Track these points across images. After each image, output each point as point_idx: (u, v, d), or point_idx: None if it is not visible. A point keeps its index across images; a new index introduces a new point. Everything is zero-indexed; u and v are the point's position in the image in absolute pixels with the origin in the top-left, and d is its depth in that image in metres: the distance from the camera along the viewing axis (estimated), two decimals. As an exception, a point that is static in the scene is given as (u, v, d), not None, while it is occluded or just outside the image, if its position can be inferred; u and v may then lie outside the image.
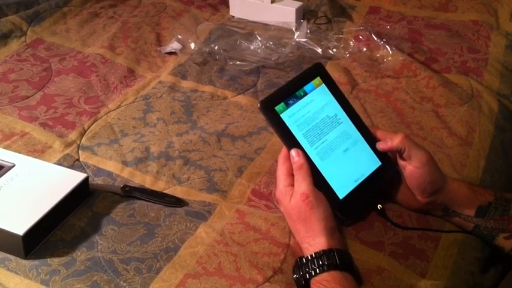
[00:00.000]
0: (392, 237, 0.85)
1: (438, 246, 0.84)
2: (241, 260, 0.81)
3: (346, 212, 0.85)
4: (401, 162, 0.85)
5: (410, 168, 0.83)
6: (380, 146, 0.86)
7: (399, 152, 0.84)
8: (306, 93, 0.85)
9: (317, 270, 0.74)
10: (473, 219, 0.85)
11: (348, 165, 0.85)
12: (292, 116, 0.83)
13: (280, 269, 0.80)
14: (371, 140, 0.87)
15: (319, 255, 0.75)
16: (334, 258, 0.74)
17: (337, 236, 0.79)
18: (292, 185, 0.81)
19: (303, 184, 0.79)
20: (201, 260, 0.81)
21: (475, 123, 1.11)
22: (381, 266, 0.80)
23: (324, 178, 0.83)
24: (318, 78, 0.87)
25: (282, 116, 0.82)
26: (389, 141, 0.85)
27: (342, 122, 0.86)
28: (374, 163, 0.87)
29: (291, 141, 0.82)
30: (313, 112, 0.85)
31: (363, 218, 0.87)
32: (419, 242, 0.85)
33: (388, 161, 0.88)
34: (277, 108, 0.82)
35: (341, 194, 0.83)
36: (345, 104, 0.88)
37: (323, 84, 0.87)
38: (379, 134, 0.88)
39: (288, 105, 0.83)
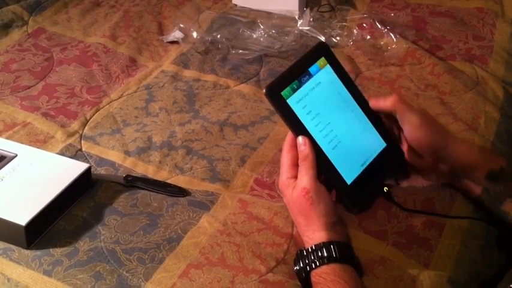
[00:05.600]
0: (396, 225, 0.85)
1: (442, 235, 0.84)
2: (244, 250, 0.80)
3: (355, 198, 0.84)
4: (400, 124, 0.84)
5: (405, 132, 0.83)
6: (372, 103, 0.85)
7: (394, 115, 0.83)
8: (311, 76, 0.82)
9: (317, 262, 0.73)
10: (482, 181, 0.84)
11: (355, 149, 0.84)
12: (298, 101, 0.80)
13: (283, 259, 0.80)
14: (376, 121, 0.86)
15: (318, 247, 0.74)
16: (334, 251, 0.73)
17: (339, 229, 0.78)
18: (295, 176, 0.79)
19: (305, 178, 0.78)
20: (204, 250, 0.81)
21: (481, 110, 1.10)
22: (383, 256, 0.80)
23: (332, 164, 0.81)
24: (323, 58, 0.84)
25: (289, 101, 0.79)
26: (382, 102, 0.84)
27: (348, 104, 0.85)
28: (379, 145, 0.86)
29: (298, 127, 0.80)
30: (319, 96, 0.82)
31: (370, 205, 0.86)
32: (423, 230, 0.84)
33: (393, 141, 0.87)
34: (283, 93, 0.79)
35: (349, 179, 0.82)
36: (349, 84, 0.86)
37: (328, 64, 0.84)
38: (371, 100, 0.86)
39: (293, 90, 0.80)
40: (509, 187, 0.83)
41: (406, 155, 0.86)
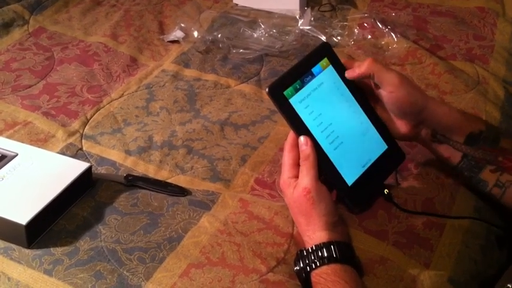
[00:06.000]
0: (396, 225, 0.84)
1: (443, 235, 0.84)
2: (244, 250, 0.80)
3: (355, 199, 0.84)
4: (377, 91, 0.84)
5: (385, 94, 0.82)
6: (348, 74, 0.84)
7: (371, 79, 0.82)
8: (314, 76, 0.82)
9: (317, 263, 0.73)
10: (462, 146, 0.84)
11: (356, 151, 0.84)
12: (301, 101, 0.80)
13: (283, 259, 0.80)
14: (377, 122, 0.86)
15: (319, 247, 0.74)
16: (334, 251, 0.73)
17: (340, 229, 0.79)
18: (296, 176, 0.79)
19: (306, 178, 0.78)
20: (205, 250, 0.81)
21: (481, 110, 1.10)
22: (384, 255, 0.80)
23: (333, 165, 0.81)
24: (326, 59, 0.84)
25: (291, 101, 0.80)
26: (357, 69, 0.83)
27: (350, 106, 0.85)
28: (381, 147, 0.86)
29: (300, 127, 0.80)
30: (322, 96, 0.82)
31: (371, 204, 0.87)
32: (423, 230, 0.84)
33: (394, 143, 0.87)
34: (286, 93, 0.79)
35: (350, 180, 0.82)
36: (351, 85, 0.86)
37: (330, 65, 0.84)
38: (345, 61, 0.86)
39: (296, 90, 0.80)
40: (488, 153, 0.83)
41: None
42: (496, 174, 0.83)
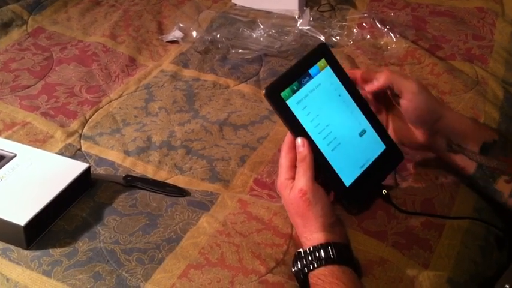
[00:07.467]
0: (395, 226, 0.84)
1: (442, 235, 0.84)
2: (243, 251, 0.80)
3: (353, 200, 0.84)
4: (395, 100, 0.84)
5: (405, 102, 0.82)
6: (367, 88, 0.84)
7: (389, 89, 0.83)
8: (311, 77, 0.82)
9: (315, 264, 0.73)
10: (477, 156, 0.84)
11: (354, 151, 0.84)
12: (298, 102, 0.80)
13: (282, 260, 0.79)
14: (376, 123, 0.86)
15: (316, 249, 0.74)
16: (332, 252, 0.73)
17: (337, 230, 0.78)
18: (293, 178, 0.79)
19: (302, 179, 0.77)
20: (204, 251, 0.80)
21: (480, 110, 1.10)
22: (383, 256, 0.80)
23: (331, 166, 0.81)
24: (323, 60, 0.84)
25: (288, 102, 0.79)
26: (376, 81, 0.83)
27: (348, 106, 0.85)
28: (379, 147, 0.86)
29: (297, 129, 0.80)
30: (319, 97, 0.82)
31: (369, 205, 0.86)
32: (422, 231, 0.84)
33: (392, 144, 0.87)
34: (283, 94, 0.79)
35: (347, 181, 0.82)
36: (349, 85, 0.86)
37: (328, 66, 0.84)
38: (362, 74, 0.86)
39: (293, 91, 0.80)
40: (503, 163, 0.83)
41: (400, 135, 0.87)
42: (511, 184, 0.83)
